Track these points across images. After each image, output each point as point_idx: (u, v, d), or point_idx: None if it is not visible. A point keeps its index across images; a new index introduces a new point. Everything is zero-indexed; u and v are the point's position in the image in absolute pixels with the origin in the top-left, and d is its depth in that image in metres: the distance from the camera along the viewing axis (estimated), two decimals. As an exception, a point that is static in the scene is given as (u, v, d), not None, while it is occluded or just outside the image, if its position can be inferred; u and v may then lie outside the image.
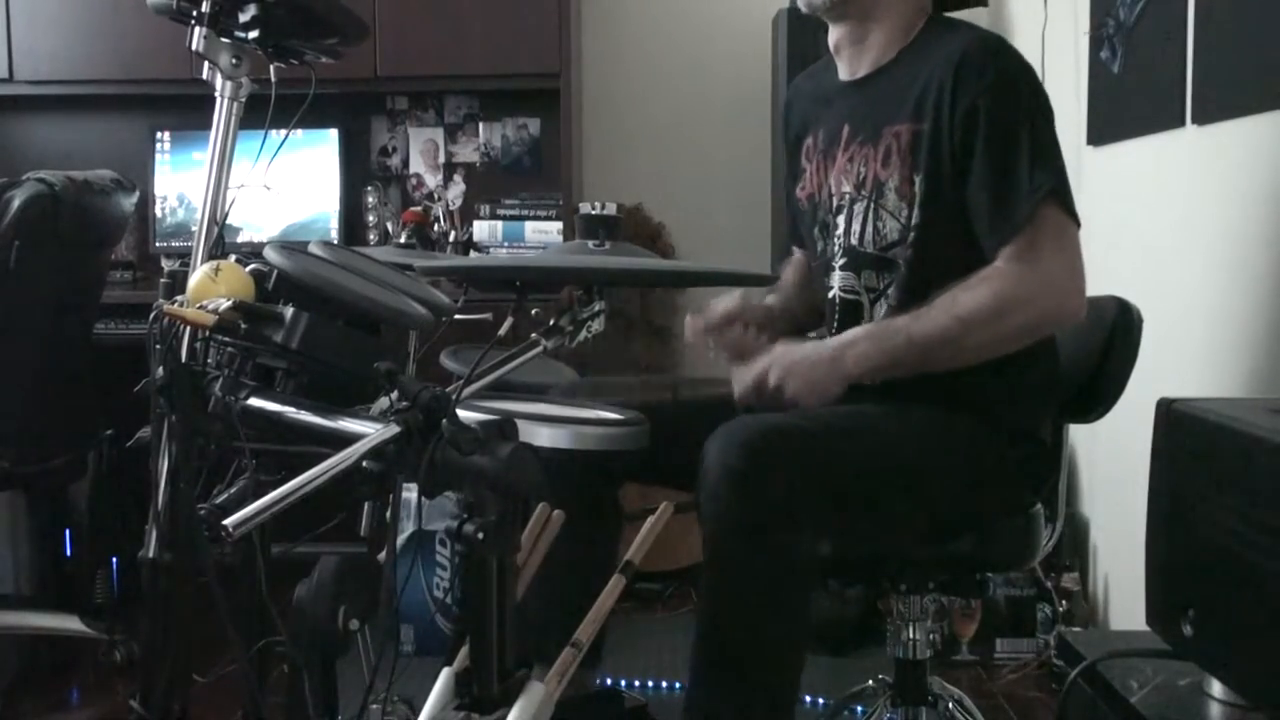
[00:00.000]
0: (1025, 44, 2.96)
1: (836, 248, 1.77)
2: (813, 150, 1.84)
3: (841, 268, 1.76)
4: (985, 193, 1.60)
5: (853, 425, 1.60)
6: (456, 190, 3.75)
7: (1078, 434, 2.23)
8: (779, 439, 1.50)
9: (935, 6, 1.77)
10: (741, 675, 1.50)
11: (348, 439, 1.22)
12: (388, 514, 1.35)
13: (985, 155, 1.60)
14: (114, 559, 2.84)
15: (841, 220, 1.76)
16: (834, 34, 1.80)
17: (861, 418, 1.62)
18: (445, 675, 1.38)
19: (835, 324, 1.77)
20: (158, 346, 1.35)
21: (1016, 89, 1.62)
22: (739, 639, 1.50)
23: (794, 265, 1.98)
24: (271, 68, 1.58)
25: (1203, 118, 2.15)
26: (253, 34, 1.55)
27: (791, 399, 1.56)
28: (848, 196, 1.75)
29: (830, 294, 1.78)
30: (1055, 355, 1.73)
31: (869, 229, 1.71)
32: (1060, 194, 1.59)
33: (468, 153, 3.76)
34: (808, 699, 2.37)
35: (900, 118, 1.68)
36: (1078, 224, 1.61)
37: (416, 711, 1.38)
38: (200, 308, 1.29)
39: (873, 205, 1.70)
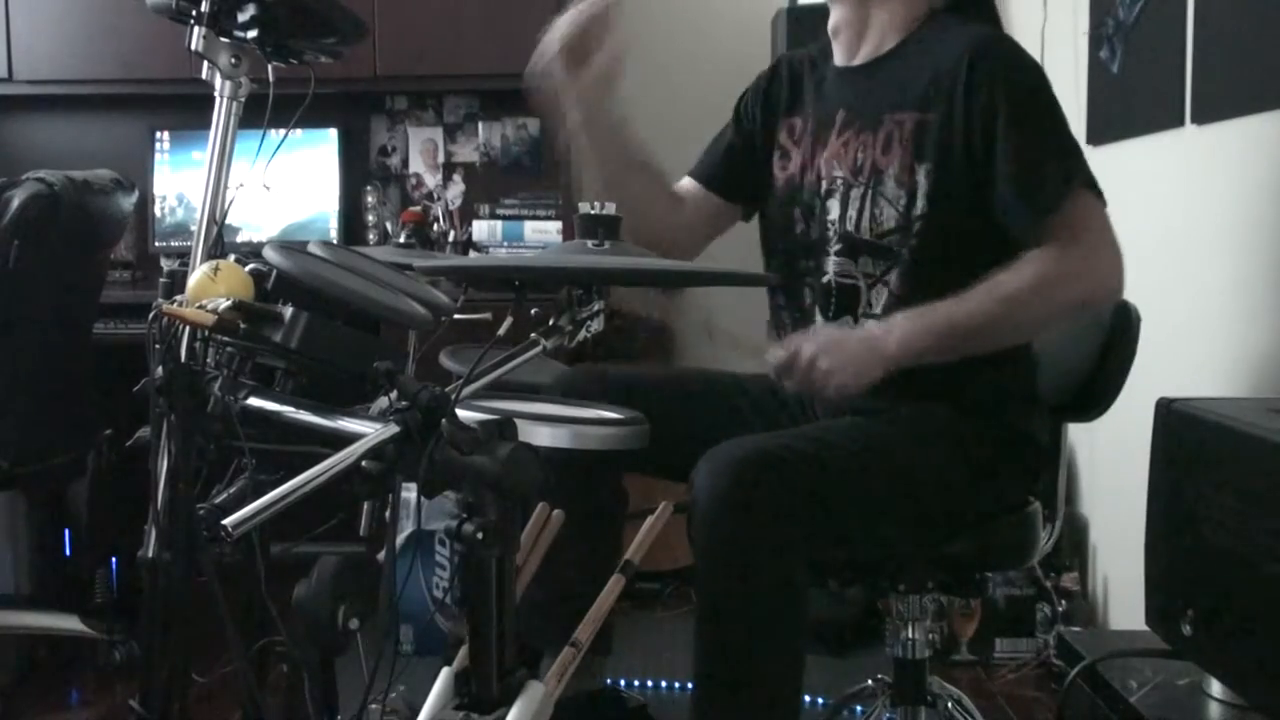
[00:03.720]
0: (1025, 44, 2.94)
1: (831, 233, 1.75)
2: (800, 131, 1.83)
3: (837, 253, 1.74)
4: (1013, 184, 1.61)
5: (843, 442, 1.59)
6: (456, 190, 3.75)
7: (1077, 434, 2.24)
8: (768, 463, 1.49)
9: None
10: (743, 693, 1.51)
11: (347, 439, 1.21)
12: (387, 514, 1.35)
13: (1009, 148, 1.61)
14: (114, 559, 2.84)
15: (834, 205, 1.75)
16: (834, 16, 1.81)
17: (852, 433, 1.62)
18: (445, 675, 1.38)
19: (831, 309, 1.75)
20: (157, 346, 1.35)
21: (1034, 84, 1.66)
22: (738, 660, 1.50)
23: (675, 188, 1.99)
24: (270, 67, 1.58)
25: (1202, 117, 2.15)
26: (252, 33, 1.54)
27: (830, 376, 1.53)
28: (840, 181, 1.74)
29: (825, 279, 1.76)
30: (1033, 354, 1.76)
31: (865, 215, 1.71)
32: (1090, 181, 1.63)
33: (467, 152, 3.76)
34: (807, 699, 2.37)
35: (904, 106, 1.68)
36: (1105, 204, 1.64)
37: (416, 711, 1.38)
38: (199, 307, 1.29)
39: (870, 192, 1.70)
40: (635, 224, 1.95)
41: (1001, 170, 1.61)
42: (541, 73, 1.70)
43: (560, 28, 1.68)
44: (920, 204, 1.66)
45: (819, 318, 1.77)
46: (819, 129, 1.80)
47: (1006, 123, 1.61)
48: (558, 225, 3.45)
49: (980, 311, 1.58)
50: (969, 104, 1.62)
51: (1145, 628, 1.57)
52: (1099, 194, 1.63)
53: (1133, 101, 2.47)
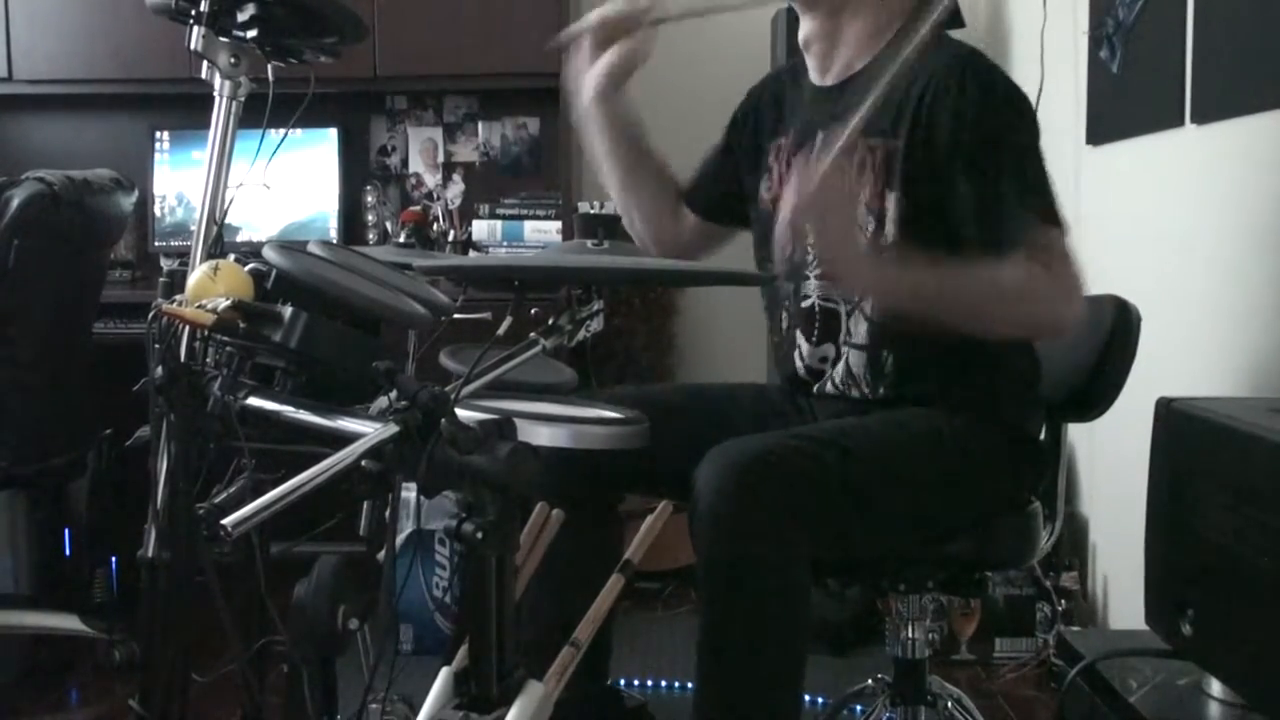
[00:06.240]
0: (1025, 44, 2.96)
1: (810, 256, 1.74)
2: (785, 152, 1.81)
3: (818, 277, 1.74)
4: (974, 223, 1.58)
5: (844, 442, 1.58)
6: (455, 190, 3.75)
7: (1077, 434, 2.24)
8: (770, 462, 1.49)
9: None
10: (745, 692, 1.51)
11: (347, 438, 1.21)
12: (387, 513, 1.35)
13: (970, 184, 1.58)
14: (113, 559, 2.85)
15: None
16: (804, 28, 1.79)
17: (850, 433, 1.61)
18: (444, 674, 1.38)
19: (815, 333, 1.75)
20: (156, 346, 1.35)
21: (1001, 109, 1.61)
22: (740, 660, 1.50)
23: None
24: (270, 67, 1.58)
25: (1202, 117, 2.15)
26: (251, 33, 1.54)
27: (816, 217, 1.52)
28: None
29: (807, 302, 1.76)
30: (1033, 351, 1.74)
31: None
32: (1052, 215, 1.57)
33: (467, 152, 3.76)
34: (807, 699, 2.36)
35: (875, 132, 1.65)
36: (1067, 235, 1.59)
37: (415, 711, 1.38)
38: (199, 307, 1.29)
39: None
40: (641, 227, 1.95)
41: (963, 202, 1.59)
42: (572, 38, 1.81)
43: (603, 9, 1.80)
44: (889, 230, 1.64)
45: (803, 342, 1.77)
46: (798, 151, 1.77)
47: (969, 154, 1.58)
48: (557, 225, 3.44)
49: (970, 298, 1.54)
50: (934, 131, 1.60)
51: (1145, 627, 1.57)
52: (1060, 224, 1.58)
53: (1133, 101, 2.47)
